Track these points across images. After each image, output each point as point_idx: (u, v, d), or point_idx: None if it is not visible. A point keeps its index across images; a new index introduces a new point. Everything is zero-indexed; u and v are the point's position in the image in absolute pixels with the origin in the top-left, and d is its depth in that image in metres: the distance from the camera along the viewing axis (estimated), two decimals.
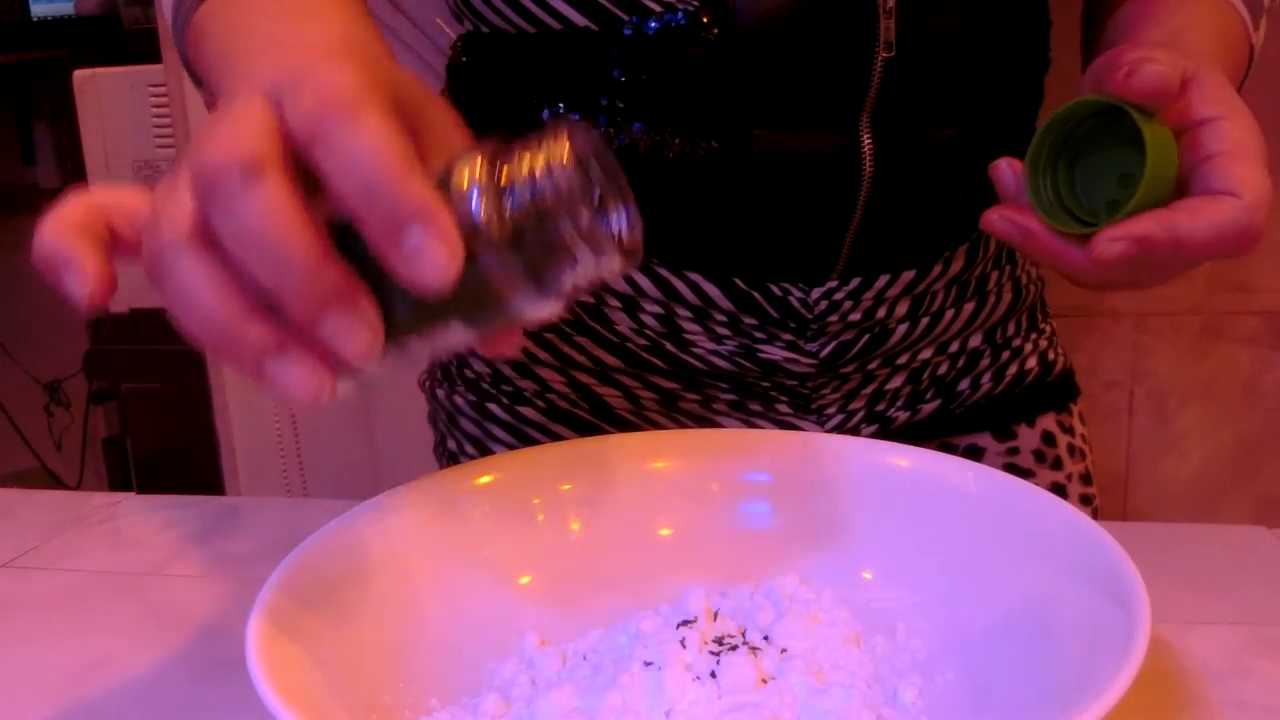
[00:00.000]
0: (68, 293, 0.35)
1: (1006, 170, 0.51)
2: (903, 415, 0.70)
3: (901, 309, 0.66)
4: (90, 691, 0.48)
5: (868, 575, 0.48)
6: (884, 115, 0.59)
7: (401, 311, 0.36)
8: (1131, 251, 0.45)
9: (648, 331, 0.66)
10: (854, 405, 0.68)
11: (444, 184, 0.34)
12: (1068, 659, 0.38)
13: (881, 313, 0.65)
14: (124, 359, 1.66)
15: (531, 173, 0.34)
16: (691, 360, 0.66)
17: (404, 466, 1.22)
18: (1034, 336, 0.74)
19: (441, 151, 0.38)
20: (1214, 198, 0.46)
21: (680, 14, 0.57)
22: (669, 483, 0.51)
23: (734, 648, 0.42)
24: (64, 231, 0.35)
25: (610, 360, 0.67)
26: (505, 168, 0.34)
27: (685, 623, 0.44)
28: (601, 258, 0.35)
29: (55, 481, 2.51)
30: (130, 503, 0.69)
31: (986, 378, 0.71)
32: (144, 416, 1.72)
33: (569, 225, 0.34)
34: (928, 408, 0.70)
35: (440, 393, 0.75)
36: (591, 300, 0.66)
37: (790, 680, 0.41)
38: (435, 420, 0.77)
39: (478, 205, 0.34)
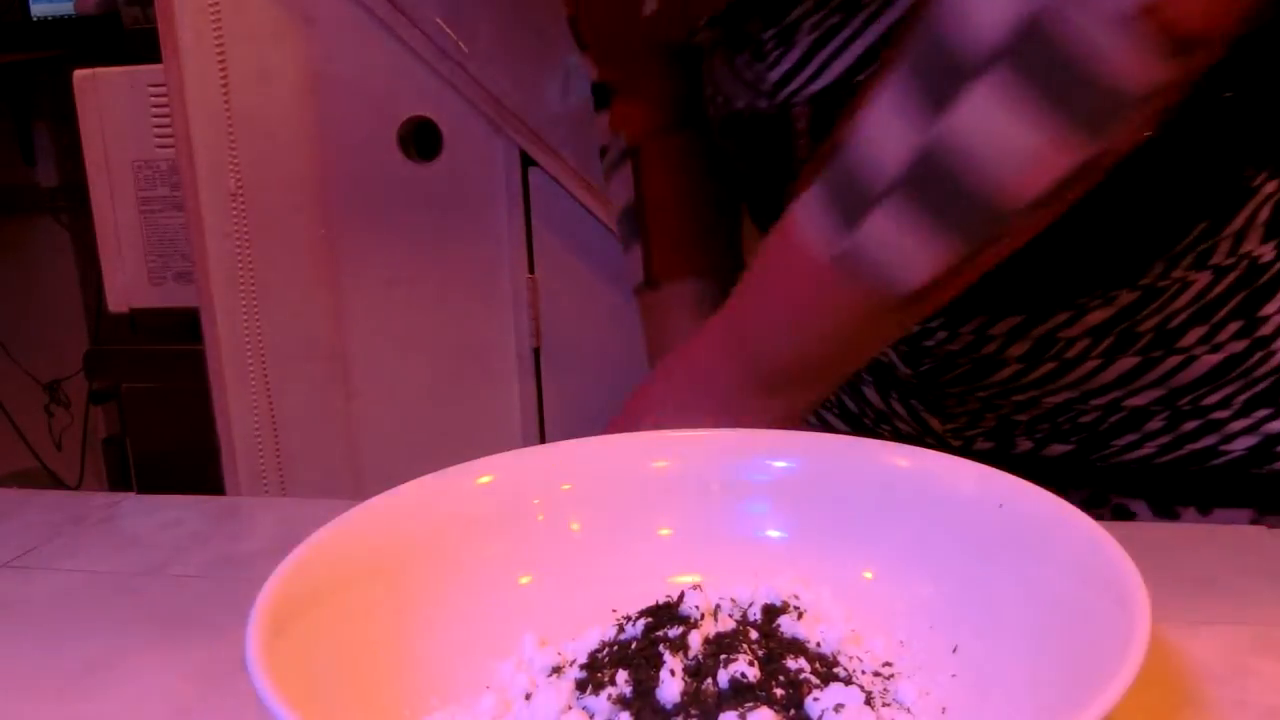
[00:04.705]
0: None
1: None
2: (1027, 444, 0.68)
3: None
4: (90, 692, 0.48)
5: (868, 575, 0.48)
6: None
7: None
8: None
9: None
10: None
11: None
12: (1068, 659, 0.38)
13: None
14: (124, 359, 1.66)
15: None
16: None
17: (385, 470, 1.22)
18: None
19: None
20: None
21: None
22: (669, 483, 0.51)
23: (734, 647, 0.42)
24: None
25: None
26: None
27: (685, 622, 0.44)
28: None
29: (55, 481, 2.51)
30: (130, 503, 0.69)
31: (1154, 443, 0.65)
32: (144, 416, 1.72)
33: None
34: (1060, 448, 0.67)
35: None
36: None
37: (790, 680, 0.41)
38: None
39: None
